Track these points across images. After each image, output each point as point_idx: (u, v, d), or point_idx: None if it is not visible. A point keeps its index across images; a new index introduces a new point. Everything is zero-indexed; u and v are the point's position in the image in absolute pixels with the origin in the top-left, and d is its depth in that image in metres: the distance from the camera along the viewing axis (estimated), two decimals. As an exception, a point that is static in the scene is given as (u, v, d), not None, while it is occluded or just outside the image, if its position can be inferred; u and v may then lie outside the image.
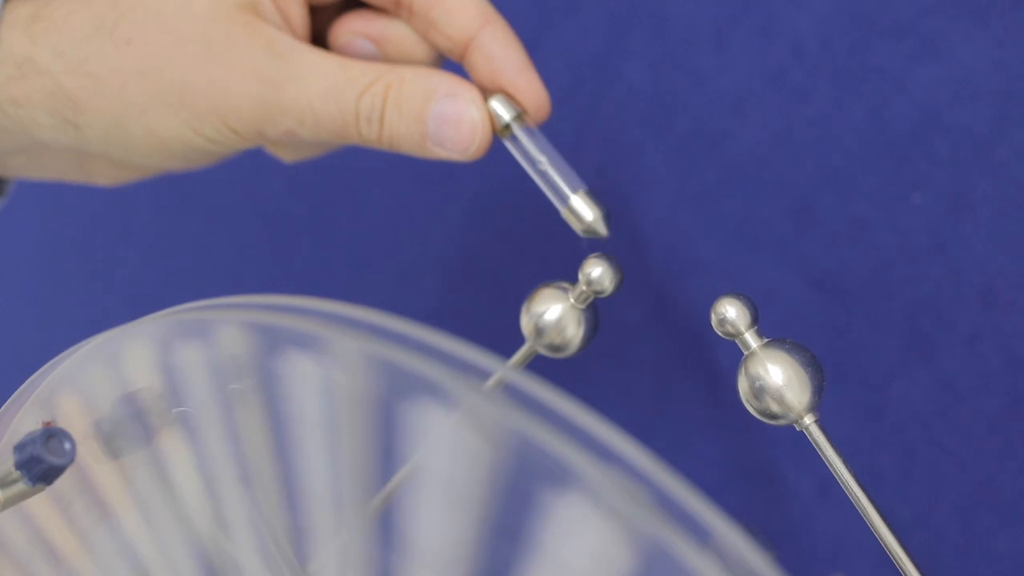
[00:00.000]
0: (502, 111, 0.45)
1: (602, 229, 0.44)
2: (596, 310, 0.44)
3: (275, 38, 0.45)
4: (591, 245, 0.44)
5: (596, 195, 0.44)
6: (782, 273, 0.55)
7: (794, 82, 0.55)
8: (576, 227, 0.44)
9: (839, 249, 0.54)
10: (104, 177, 0.50)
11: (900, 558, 0.38)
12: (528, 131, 0.45)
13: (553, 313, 0.43)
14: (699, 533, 0.27)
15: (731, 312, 0.39)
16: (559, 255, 0.57)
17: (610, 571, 0.27)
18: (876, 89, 0.54)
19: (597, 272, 0.42)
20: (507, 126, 0.45)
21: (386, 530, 0.31)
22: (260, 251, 0.72)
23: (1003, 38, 0.51)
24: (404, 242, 0.67)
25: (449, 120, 0.44)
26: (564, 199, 0.44)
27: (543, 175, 0.45)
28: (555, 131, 0.46)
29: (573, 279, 0.43)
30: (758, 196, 0.56)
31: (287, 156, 0.50)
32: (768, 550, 0.27)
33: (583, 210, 0.44)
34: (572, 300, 0.43)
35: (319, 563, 0.33)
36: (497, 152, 0.46)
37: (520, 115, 0.45)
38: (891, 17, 0.53)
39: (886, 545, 0.39)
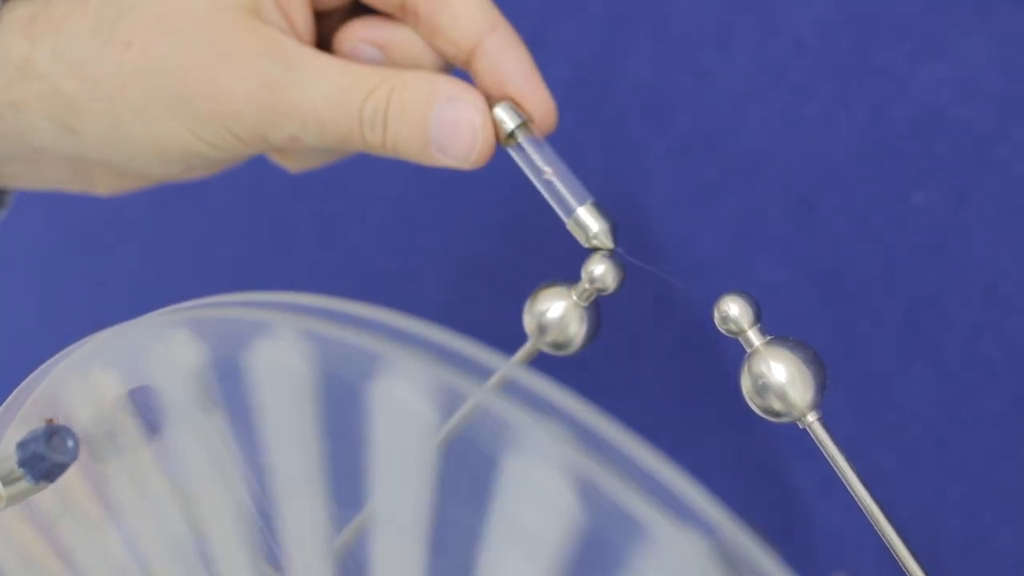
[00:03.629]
0: (507, 118, 0.43)
1: (608, 242, 0.43)
2: (598, 308, 0.44)
3: (279, 41, 0.44)
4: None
5: (602, 207, 0.43)
6: (784, 271, 0.55)
7: (796, 80, 0.55)
8: (581, 240, 0.43)
9: (841, 247, 0.54)
10: (103, 186, 0.49)
11: (902, 555, 0.38)
12: (533, 140, 0.44)
13: (556, 311, 0.43)
14: (703, 529, 0.27)
15: (734, 310, 0.39)
16: (561, 253, 0.57)
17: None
18: (878, 87, 0.54)
19: (600, 270, 0.42)
20: (512, 134, 0.43)
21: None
22: (261, 251, 0.72)
23: (1004, 36, 0.51)
24: (406, 241, 0.67)
25: (451, 125, 0.43)
26: (569, 211, 0.43)
27: (548, 185, 0.43)
28: (557, 129, 0.46)
29: (576, 277, 0.43)
30: (760, 194, 0.56)
31: (292, 165, 0.49)
32: (771, 547, 0.27)
33: (589, 223, 0.43)
34: (575, 298, 0.43)
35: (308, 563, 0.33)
36: (500, 152, 0.45)
37: (525, 123, 0.44)
38: (893, 15, 0.53)
39: (888, 542, 0.38)
